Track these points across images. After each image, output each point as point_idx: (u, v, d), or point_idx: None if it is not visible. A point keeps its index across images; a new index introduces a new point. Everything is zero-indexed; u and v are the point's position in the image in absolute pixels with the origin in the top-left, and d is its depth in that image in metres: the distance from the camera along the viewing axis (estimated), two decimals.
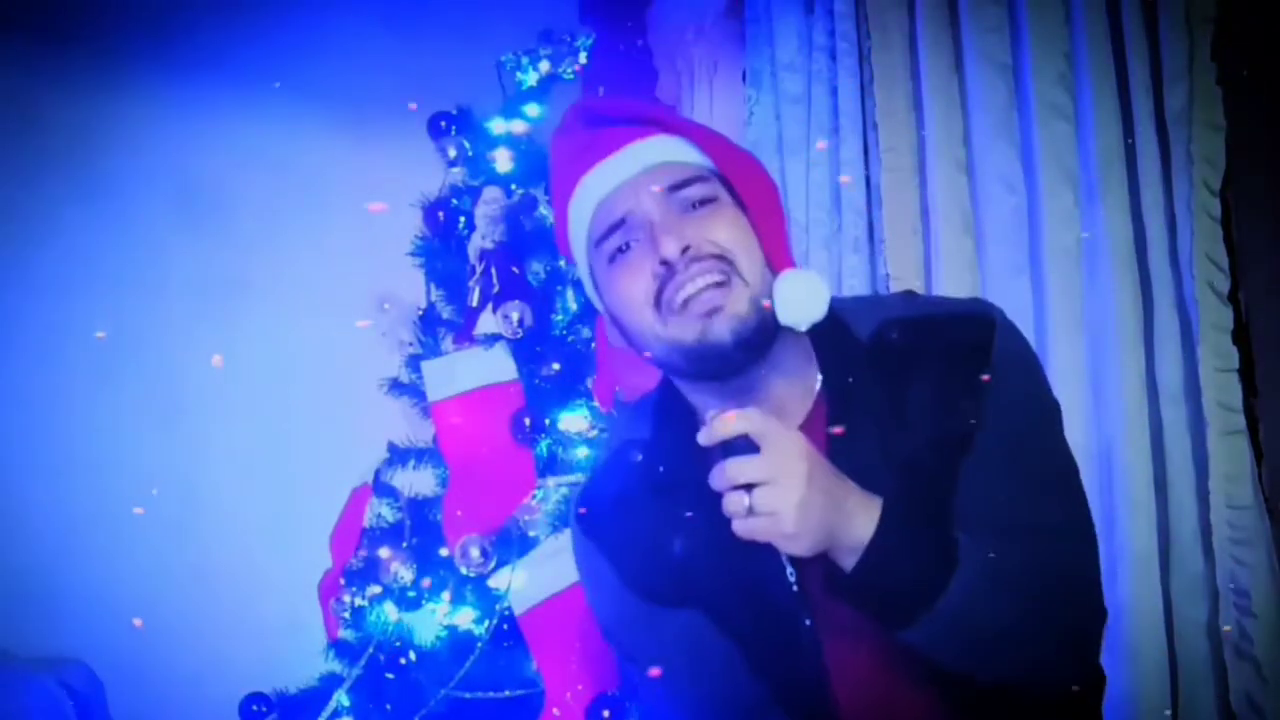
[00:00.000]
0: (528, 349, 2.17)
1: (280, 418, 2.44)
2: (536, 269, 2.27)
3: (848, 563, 0.96)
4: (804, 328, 1.04)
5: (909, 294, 1.27)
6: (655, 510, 1.11)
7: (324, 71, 2.53)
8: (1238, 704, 1.98)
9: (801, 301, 1.04)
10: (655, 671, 1.12)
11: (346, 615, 2.15)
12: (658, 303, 1.03)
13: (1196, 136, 2.03)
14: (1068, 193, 2.13)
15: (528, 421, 2.06)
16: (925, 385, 1.05)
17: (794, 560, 1.04)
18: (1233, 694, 1.98)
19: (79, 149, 2.36)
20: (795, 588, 1.06)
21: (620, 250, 1.05)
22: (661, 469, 1.12)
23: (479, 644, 2.03)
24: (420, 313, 2.30)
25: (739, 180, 1.07)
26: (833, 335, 1.08)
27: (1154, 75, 2.09)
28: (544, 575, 2.01)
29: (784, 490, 0.92)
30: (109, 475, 2.30)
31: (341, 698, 2.07)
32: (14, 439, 2.25)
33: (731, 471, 0.94)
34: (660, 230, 1.02)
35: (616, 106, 1.13)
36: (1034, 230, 2.16)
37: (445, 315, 2.30)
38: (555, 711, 1.95)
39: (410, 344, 2.27)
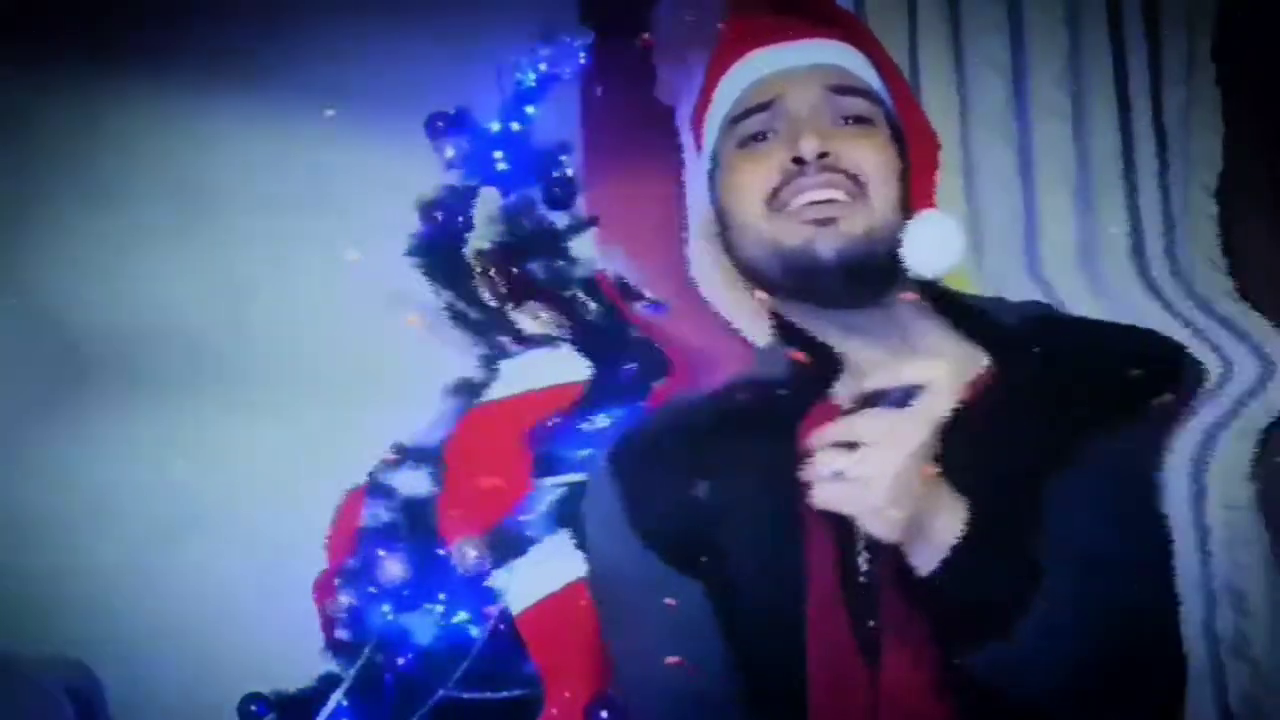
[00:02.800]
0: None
1: (279, 417, 2.44)
2: (536, 269, 2.27)
3: (925, 561, 0.86)
4: (929, 274, 0.96)
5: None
6: (689, 453, 1.03)
7: (323, 71, 2.53)
8: (1236, 704, 1.98)
9: (934, 244, 0.94)
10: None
11: (343, 615, 2.15)
12: (773, 197, 0.96)
13: (1195, 138, 2.04)
14: (1065, 194, 2.13)
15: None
16: (1068, 391, 0.94)
17: (869, 547, 0.92)
18: (1231, 694, 1.98)
19: (77, 149, 2.35)
20: (865, 579, 0.93)
21: (755, 137, 0.99)
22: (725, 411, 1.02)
23: (476, 644, 2.03)
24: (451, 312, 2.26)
25: (906, 116, 1.01)
26: (973, 317, 1.00)
27: (1152, 76, 2.09)
28: (542, 574, 2.01)
29: (889, 455, 0.82)
30: (109, 474, 2.29)
31: (340, 698, 2.07)
32: (13, 439, 2.25)
33: (846, 426, 0.84)
34: (806, 126, 0.95)
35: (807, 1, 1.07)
36: (1031, 231, 2.17)
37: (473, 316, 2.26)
38: (553, 712, 1.95)
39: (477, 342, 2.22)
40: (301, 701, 2.14)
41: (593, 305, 2.24)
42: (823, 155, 0.94)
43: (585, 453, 2.14)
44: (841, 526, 0.90)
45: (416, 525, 2.16)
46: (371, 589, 2.11)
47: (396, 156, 2.39)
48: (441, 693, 1.98)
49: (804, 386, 1.00)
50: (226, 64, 2.45)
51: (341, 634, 2.19)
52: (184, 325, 2.41)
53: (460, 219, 2.27)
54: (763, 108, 0.98)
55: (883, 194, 0.96)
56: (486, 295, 2.19)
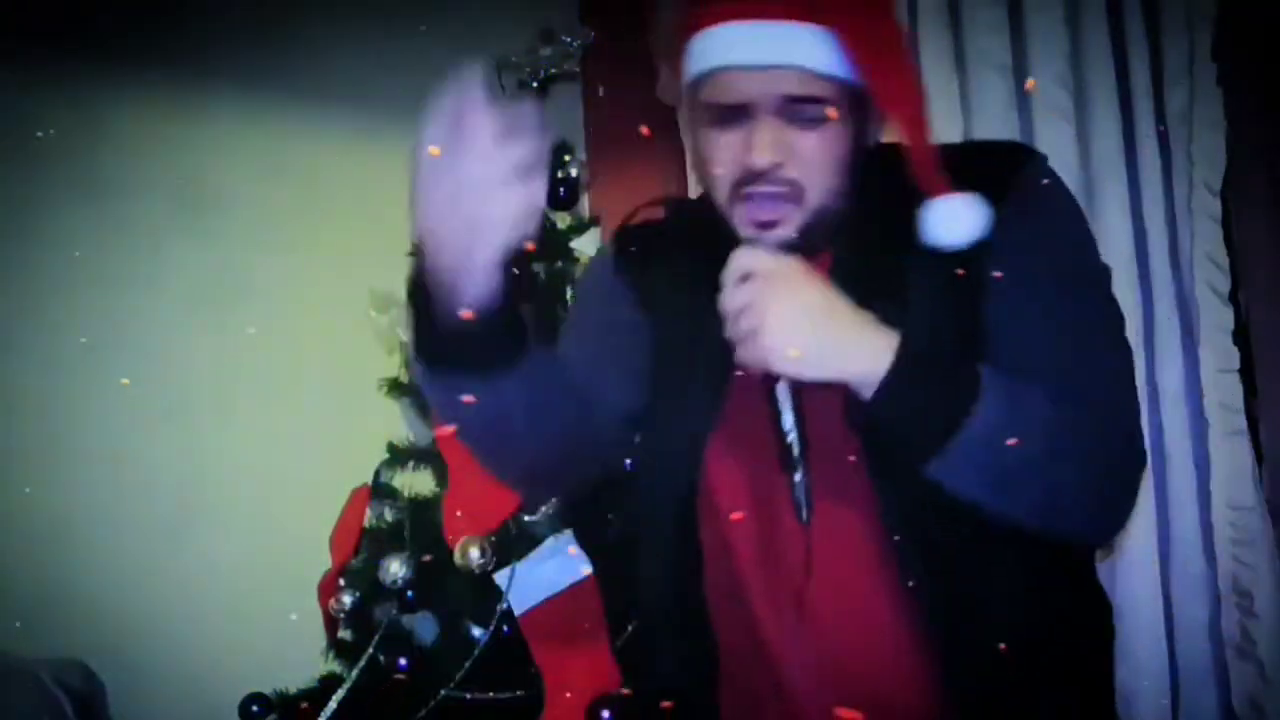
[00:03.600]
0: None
1: (280, 418, 2.44)
2: (536, 269, 2.27)
3: (866, 393, 0.94)
4: (954, 244, 1.01)
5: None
6: (687, 261, 1.14)
7: (323, 71, 2.53)
8: (1240, 705, 1.98)
9: (955, 221, 1.00)
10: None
11: (346, 616, 2.15)
12: (735, 187, 1.05)
13: (1197, 137, 2.03)
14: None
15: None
16: (926, 221, 1.02)
17: (797, 409, 1.00)
18: (1235, 695, 1.98)
19: (76, 148, 2.35)
20: (791, 435, 1.00)
21: (724, 120, 1.05)
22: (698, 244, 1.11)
23: (479, 644, 2.03)
24: None
25: (881, 98, 1.05)
26: (875, 166, 1.08)
27: (1154, 76, 2.09)
28: (544, 575, 2.01)
29: (770, 310, 0.93)
30: (107, 475, 2.29)
31: (341, 698, 2.07)
32: (12, 439, 2.25)
33: (731, 296, 0.97)
34: (760, 136, 1.03)
35: None
36: None
37: None
38: (555, 712, 1.95)
39: (409, 344, 2.26)
40: (303, 701, 2.14)
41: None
42: (773, 167, 1.03)
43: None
44: (767, 385, 1.01)
45: (419, 525, 2.16)
46: (375, 589, 2.11)
47: (397, 156, 2.39)
48: (444, 693, 1.98)
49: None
50: (226, 64, 2.45)
51: (344, 634, 2.19)
52: (183, 324, 2.40)
53: None
54: (729, 108, 1.05)
55: (820, 188, 1.04)
56: None
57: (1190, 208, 2.04)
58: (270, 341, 2.43)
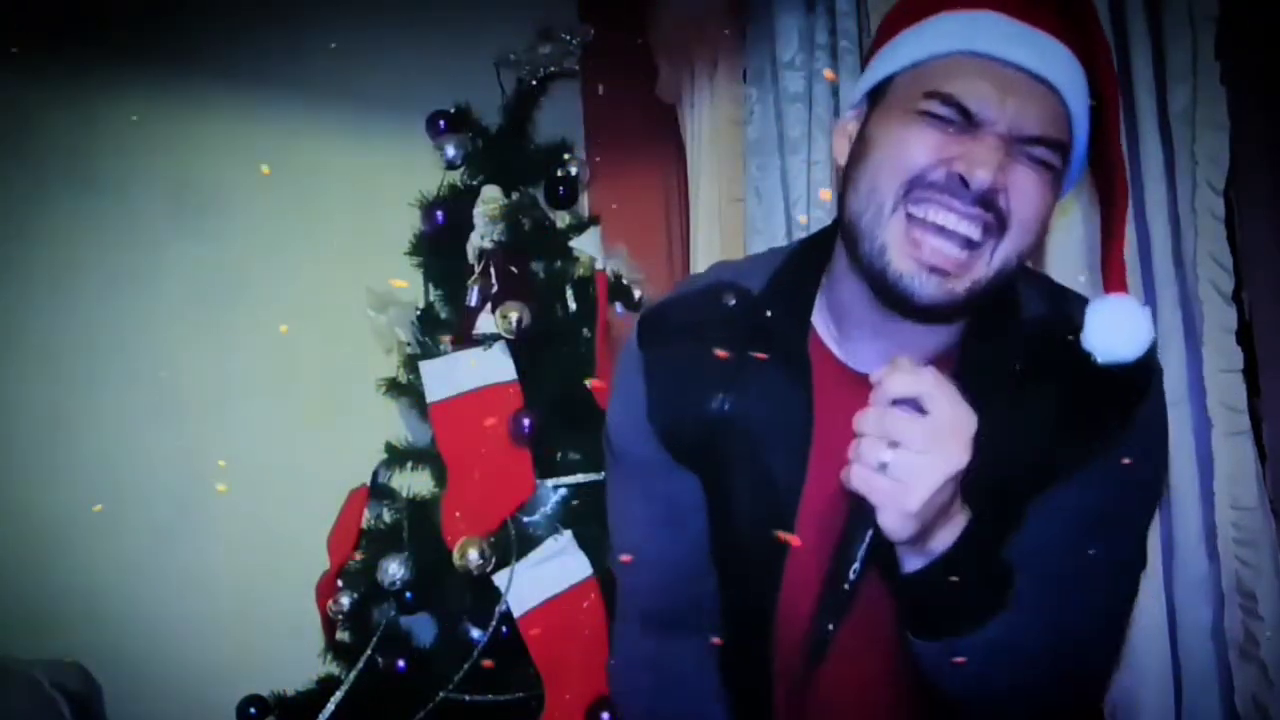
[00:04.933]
0: (526, 349, 2.16)
1: (279, 418, 2.43)
2: (536, 269, 2.26)
3: (912, 561, 0.90)
4: (1111, 359, 0.91)
5: (1075, 293, 1.13)
6: (722, 362, 1.03)
7: (323, 70, 2.52)
8: (1243, 707, 1.97)
9: (1113, 339, 0.90)
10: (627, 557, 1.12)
11: (344, 617, 2.14)
12: (915, 183, 0.92)
13: (1200, 136, 2.02)
14: (1070, 193, 2.12)
15: (526, 422, 2.05)
16: (1055, 401, 0.96)
17: (866, 552, 0.94)
18: (1238, 696, 1.97)
19: (74, 148, 2.34)
20: (858, 564, 0.94)
21: (937, 117, 0.91)
22: (759, 324, 1.03)
23: (478, 646, 2.02)
24: (419, 313, 2.29)
25: (1098, 174, 0.98)
26: (998, 313, 0.99)
27: (1157, 74, 2.08)
28: (543, 577, 2.00)
29: (931, 466, 0.84)
30: (107, 475, 2.28)
31: (339, 700, 2.06)
32: (11, 439, 2.24)
33: (891, 423, 0.85)
34: (988, 154, 0.89)
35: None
36: None
37: (444, 315, 2.29)
38: (554, 714, 1.94)
39: (408, 344, 2.27)
40: (301, 703, 2.13)
41: (573, 306, 2.24)
42: (988, 190, 0.90)
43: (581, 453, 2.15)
44: (849, 509, 0.93)
45: (418, 526, 2.16)
46: (373, 590, 2.10)
47: (396, 156, 2.39)
48: (443, 695, 1.97)
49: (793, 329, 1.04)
50: (226, 64, 2.44)
51: (342, 635, 2.18)
52: (182, 324, 2.40)
53: (461, 218, 2.27)
54: (961, 106, 0.91)
55: (1017, 242, 0.92)
56: (474, 296, 2.19)
57: (1194, 207, 2.03)
58: (269, 341, 2.43)
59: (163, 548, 2.30)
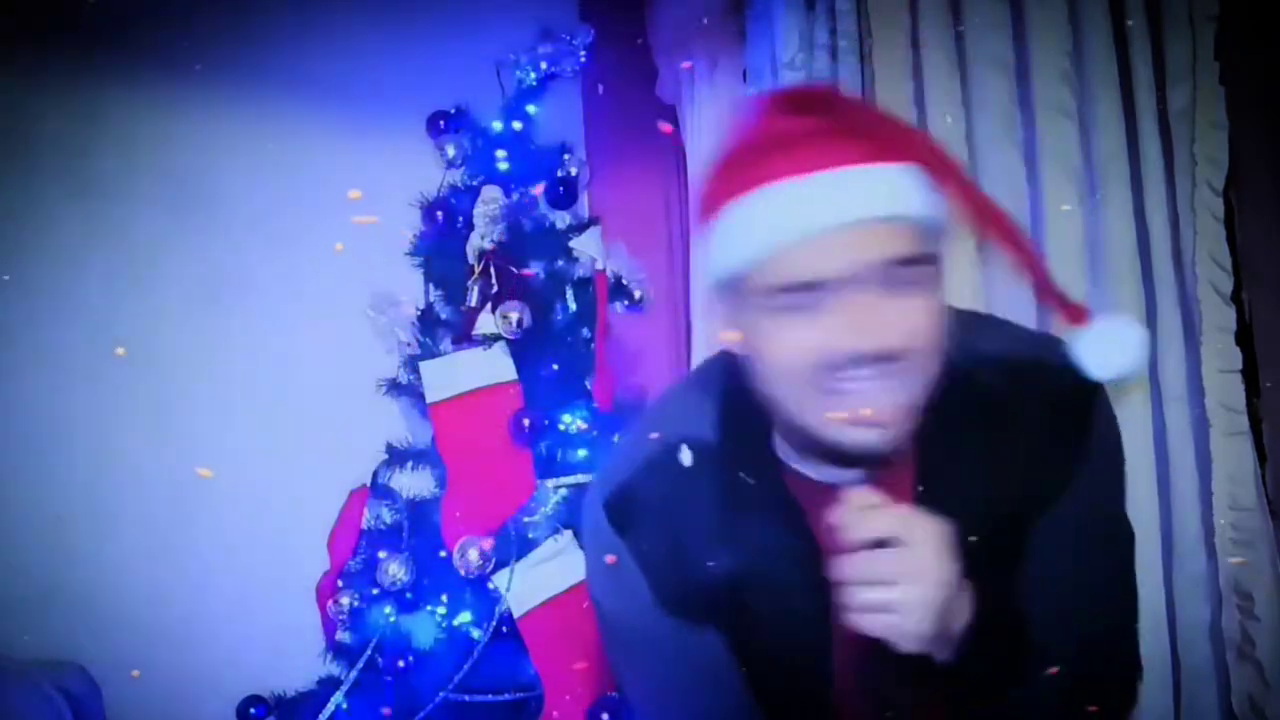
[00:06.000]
0: (527, 349, 2.17)
1: (278, 419, 2.43)
2: (536, 269, 2.26)
3: (943, 653, 0.91)
4: (1109, 376, 0.94)
5: (984, 319, 1.11)
6: (706, 523, 0.99)
7: (323, 70, 2.52)
8: (1240, 706, 1.97)
9: (1112, 357, 0.93)
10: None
11: (344, 618, 2.14)
12: (819, 378, 0.89)
13: (1199, 136, 2.02)
14: (1070, 192, 2.12)
15: (526, 422, 2.05)
16: (1018, 442, 0.96)
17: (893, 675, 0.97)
18: (1235, 696, 1.97)
19: (74, 148, 2.34)
20: (884, 690, 0.99)
21: (797, 303, 0.88)
22: (731, 481, 1.00)
23: (477, 646, 2.02)
24: (419, 313, 2.29)
25: (985, 227, 0.93)
26: (951, 379, 0.96)
27: (1157, 74, 2.08)
28: (543, 577, 2.00)
29: (917, 592, 0.85)
30: (106, 476, 2.28)
31: (340, 700, 2.06)
32: (10, 440, 2.24)
33: (871, 566, 0.86)
34: (864, 317, 0.86)
35: (852, 109, 0.95)
36: (1036, 229, 2.16)
37: (444, 315, 2.29)
38: (554, 714, 1.94)
39: (409, 344, 2.27)
40: (300, 703, 2.13)
41: (573, 306, 2.24)
42: (881, 352, 0.87)
43: (582, 453, 2.15)
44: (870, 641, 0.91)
45: (418, 526, 2.16)
46: (373, 590, 2.10)
47: (396, 156, 2.38)
48: (443, 695, 1.97)
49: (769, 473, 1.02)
50: (227, 64, 2.44)
51: (342, 636, 2.18)
52: (182, 324, 2.40)
53: (461, 218, 2.27)
54: (810, 287, 0.87)
55: (926, 367, 0.91)
56: (474, 296, 2.19)
57: (1193, 207, 2.03)
58: (269, 341, 2.43)
59: (162, 548, 2.30)
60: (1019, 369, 0.98)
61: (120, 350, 2.17)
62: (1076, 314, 0.94)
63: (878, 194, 0.87)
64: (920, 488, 0.97)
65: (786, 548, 0.96)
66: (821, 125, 0.89)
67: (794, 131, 0.89)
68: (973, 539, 0.91)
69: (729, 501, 0.99)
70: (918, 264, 0.87)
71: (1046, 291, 0.95)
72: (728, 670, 1.05)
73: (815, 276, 0.86)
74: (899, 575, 0.85)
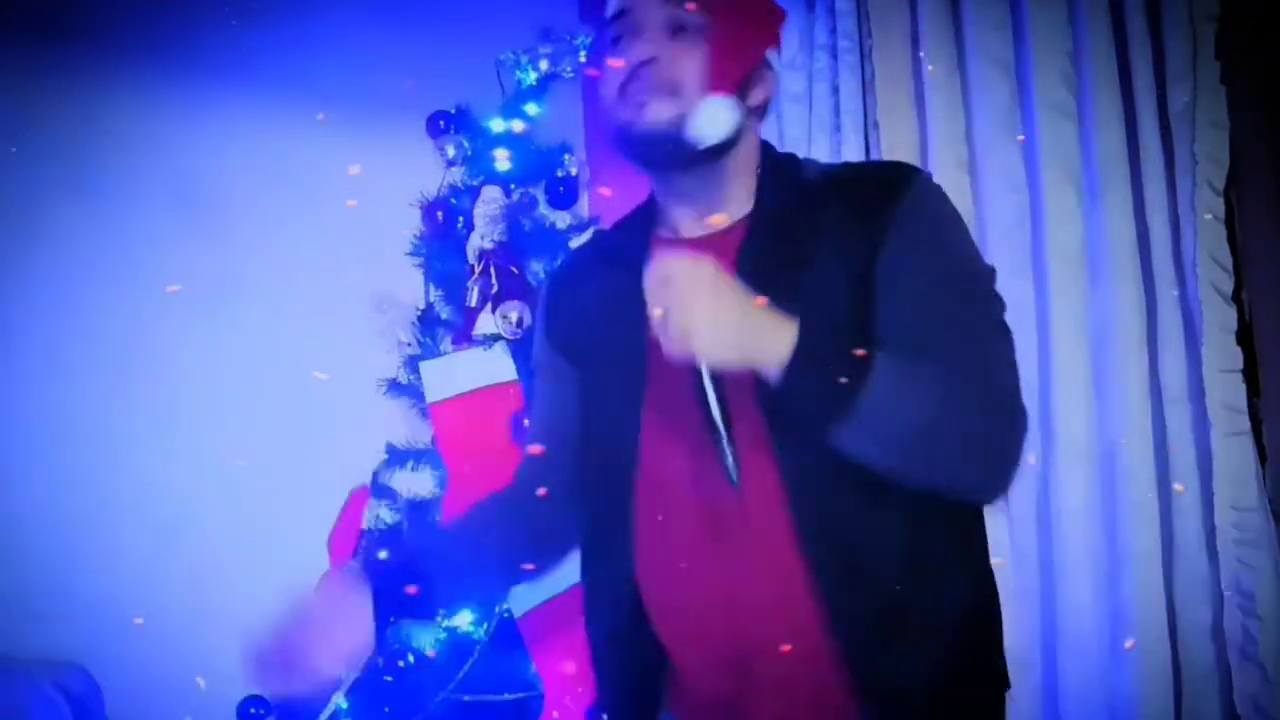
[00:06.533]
0: (527, 349, 2.16)
1: (278, 419, 2.43)
2: (536, 269, 2.26)
3: (773, 374, 1.03)
4: (705, 143, 1.15)
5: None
6: (600, 282, 1.25)
7: (323, 70, 2.52)
8: (1242, 706, 1.97)
9: (708, 119, 1.15)
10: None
11: None
12: (621, 90, 1.18)
13: (1200, 136, 2.02)
14: (1070, 192, 2.12)
15: (526, 422, 2.05)
16: (836, 224, 1.14)
17: (719, 393, 1.09)
18: (1237, 696, 1.97)
19: (73, 148, 2.34)
20: (717, 413, 1.09)
21: (615, 39, 1.20)
22: (618, 249, 1.27)
23: (478, 647, 2.02)
24: (419, 313, 2.29)
25: (729, 16, 1.18)
26: (778, 174, 1.22)
27: (1157, 74, 2.08)
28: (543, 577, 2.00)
29: (691, 310, 1.00)
30: (106, 476, 2.28)
31: (340, 700, 2.06)
32: (10, 441, 2.24)
33: (653, 298, 1.03)
34: (642, 39, 1.17)
35: None
36: (1036, 229, 2.16)
37: (444, 315, 2.29)
38: (554, 714, 1.94)
39: (409, 344, 2.27)
40: (301, 703, 2.13)
41: None
42: (648, 62, 1.16)
43: None
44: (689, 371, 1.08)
45: (418, 526, 2.16)
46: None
47: (396, 156, 2.38)
48: (442, 695, 1.97)
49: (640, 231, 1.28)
50: (227, 64, 2.44)
51: None
52: (182, 324, 2.40)
53: (461, 218, 2.27)
54: (616, 16, 1.20)
55: (691, 92, 1.15)
56: (474, 296, 2.20)
57: (1193, 207, 2.03)
58: (269, 341, 2.42)
59: (163, 548, 2.30)
60: (849, 168, 1.25)
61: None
62: (722, 87, 1.17)
63: None
64: (738, 259, 1.15)
65: (630, 294, 1.09)
66: None
67: None
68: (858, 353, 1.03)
69: (614, 269, 1.23)
70: (686, 8, 1.16)
71: (724, 68, 1.17)
72: (575, 400, 1.28)
73: (617, 8, 1.19)
74: (683, 300, 1.01)
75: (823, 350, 1.03)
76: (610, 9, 1.22)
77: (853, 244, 1.12)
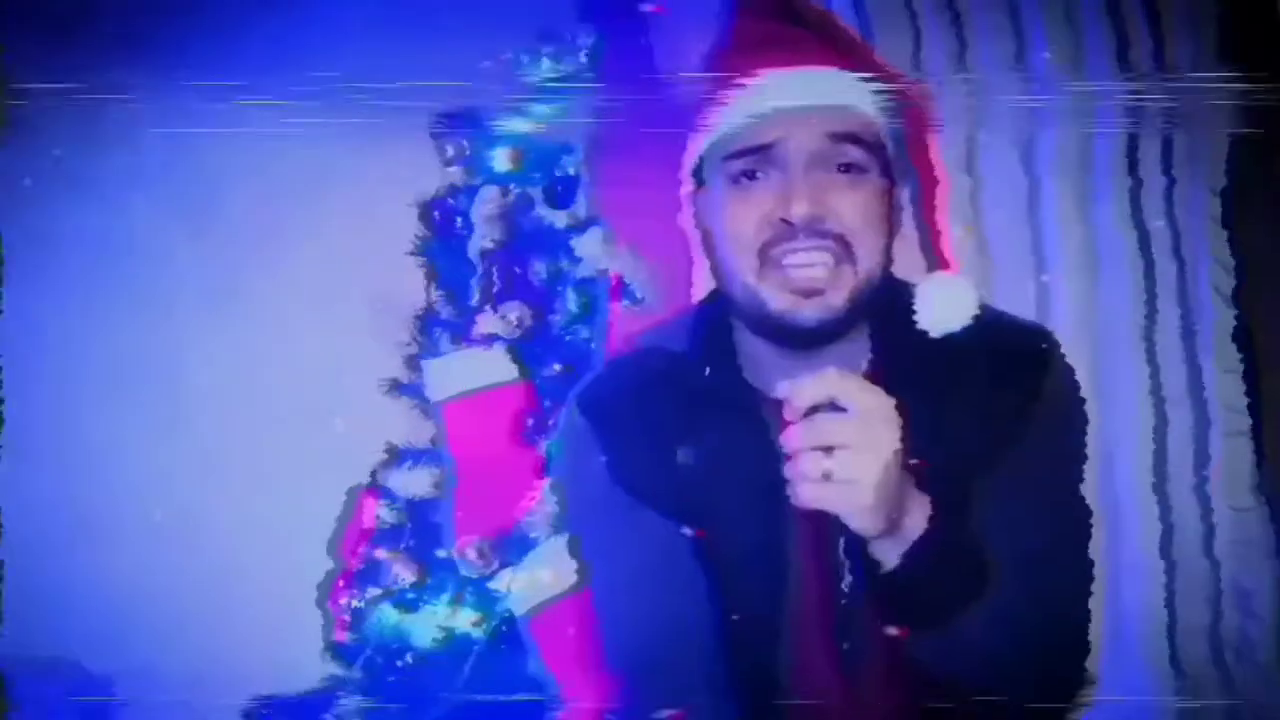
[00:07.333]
0: (528, 349, 2.16)
1: (279, 418, 2.42)
2: (538, 269, 2.26)
3: (890, 553, 0.90)
4: (939, 334, 0.99)
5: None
6: (670, 417, 1.06)
7: (323, 70, 2.51)
8: (1241, 706, 1.98)
9: (942, 310, 0.99)
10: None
11: (345, 618, 2.14)
12: (763, 250, 0.97)
13: (1201, 137, 2.03)
14: (1070, 192, 2.13)
15: (530, 422, 2.05)
16: (972, 388, 1.00)
17: (847, 549, 0.97)
18: (1236, 695, 1.98)
19: (74, 148, 2.34)
20: (849, 573, 0.98)
21: (746, 174, 0.98)
22: (699, 375, 1.07)
23: (479, 647, 2.02)
24: (420, 313, 2.29)
25: (916, 158, 1.03)
26: (893, 316, 1.02)
27: (1157, 74, 2.09)
28: (547, 576, 2.00)
29: (871, 459, 0.84)
30: (107, 477, 2.28)
31: (340, 700, 2.06)
32: (11, 440, 2.23)
33: (817, 431, 0.84)
34: (797, 184, 0.95)
35: (819, 17, 1.05)
36: (1038, 232, 2.16)
37: (444, 315, 2.28)
38: (564, 714, 1.94)
39: (409, 344, 2.26)
40: (301, 703, 2.13)
41: (572, 307, 2.24)
42: (813, 219, 0.95)
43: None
44: (822, 522, 0.92)
45: (418, 526, 2.15)
46: (374, 590, 2.10)
47: (396, 156, 2.38)
48: (447, 695, 1.97)
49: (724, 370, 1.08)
50: (228, 64, 2.43)
51: (343, 636, 2.18)
52: (183, 323, 2.39)
53: (461, 218, 2.27)
54: (759, 150, 0.97)
55: (869, 247, 0.97)
56: (474, 296, 2.19)
57: (1194, 208, 2.04)
58: (268, 341, 2.42)
59: (163, 548, 2.29)
60: (983, 323, 1.01)
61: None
62: (943, 260, 1.06)
63: (830, 85, 0.97)
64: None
65: (742, 439, 0.99)
66: (795, 32, 1.00)
67: (772, 32, 1.00)
68: (914, 462, 0.89)
69: (691, 398, 1.06)
70: (855, 142, 0.96)
71: (932, 223, 1.06)
72: (680, 564, 1.07)
73: (760, 141, 0.96)
74: (845, 440, 0.84)
75: (950, 544, 0.90)
76: (743, 139, 0.97)
77: (986, 415, 0.99)
